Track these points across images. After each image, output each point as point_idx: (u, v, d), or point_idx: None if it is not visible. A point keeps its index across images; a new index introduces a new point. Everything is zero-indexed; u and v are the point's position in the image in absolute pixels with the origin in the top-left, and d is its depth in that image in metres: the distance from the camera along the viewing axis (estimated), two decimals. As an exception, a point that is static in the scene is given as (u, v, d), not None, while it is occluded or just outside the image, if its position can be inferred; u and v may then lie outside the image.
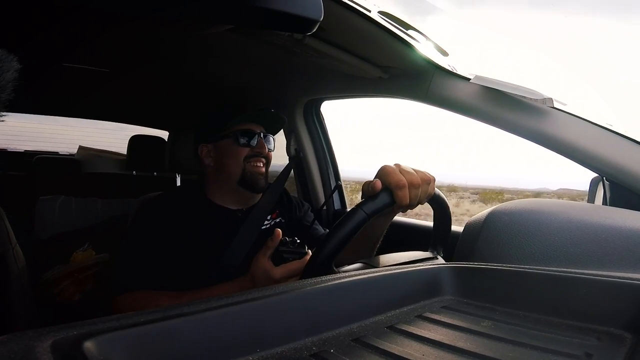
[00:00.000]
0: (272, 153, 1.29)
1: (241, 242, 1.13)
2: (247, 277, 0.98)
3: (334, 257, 0.73)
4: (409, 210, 0.86)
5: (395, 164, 0.80)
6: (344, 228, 0.73)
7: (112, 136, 3.45)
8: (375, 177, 0.79)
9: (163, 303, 0.97)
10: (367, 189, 0.78)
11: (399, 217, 1.68)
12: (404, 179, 0.76)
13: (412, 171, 0.79)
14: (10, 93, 0.39)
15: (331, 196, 1.94)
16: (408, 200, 0.77)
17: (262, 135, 1.24)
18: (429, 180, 0.81)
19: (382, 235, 0.97)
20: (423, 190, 0.80)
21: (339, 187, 1.96)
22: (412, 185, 0.77)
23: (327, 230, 1.03)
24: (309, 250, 0.98)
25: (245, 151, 1.20)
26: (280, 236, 0.97)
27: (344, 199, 1.99)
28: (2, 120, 0.41)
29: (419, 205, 0.84)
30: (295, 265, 0.95)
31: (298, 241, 0.99)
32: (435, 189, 0.86)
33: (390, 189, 0.76)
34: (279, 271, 0.94)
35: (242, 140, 1.21)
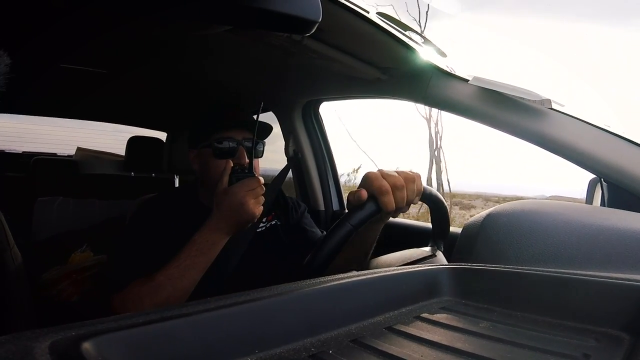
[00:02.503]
0: (261, 159, 1.23)
1: (236, 245, 1.12)
2: (213, 213, 1.03)
3: (323, 270, 0.72)
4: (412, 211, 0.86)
5: (378, 170, 0.79)
6: (331, 242, 0.73)
7: (111, 138, 3.45)
8: (359, 186, 0.78)
9: (157, 277, 0.99)
10: (353, 199, 0.77)
11: (398, 218, 1.67)
12: (386, 183, 0.75)
13: (395, 174, 0.78)
14: (2, 86, 0.40)
15: None
16: (394, 204, 0.76)
17: (244, 143, 1.16)
18: (412, 179, 0.79)
19: (374, 242, 0.97)
20: (410, 189, 0.78)
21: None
22: (395, 188, 0.76)
23: (325, 233, 1.03)
24: (260, 177, 1.06)
25: (224, 164, 1.12)
26: (232, 165, 1.07)
27: (343, 200, 1.99)
28: None
29: (412, 205, 0.83)
30: (247, 180, 1.02)
31: (247, 170, 1.08)
32: (427, 186, 0.85)
33: (374, 197, 0.75)
34: (234, 187, 1.02)
35: (220, 151, 1.15)
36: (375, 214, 0.76)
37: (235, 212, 1.00)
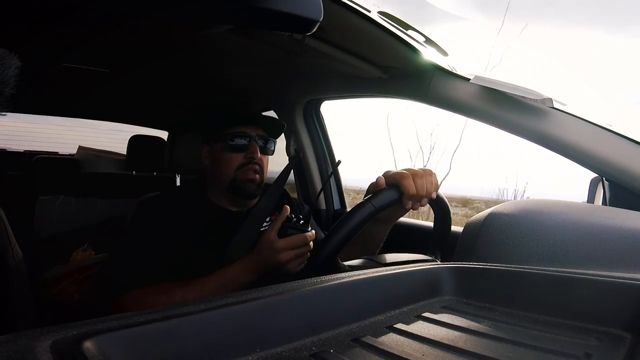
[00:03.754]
0: (270, 157, 1.25)
1: (240, 243, 1.13)
2: (253, 252, 1.00)
3: (339, 249, 0.73)
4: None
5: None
6: (352, 220, 0.74)
7: (113, 137, 3.45)
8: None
9: (175, 294, 0.97)
10: (373, 187, 0.83)
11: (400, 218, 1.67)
12: (406, 171, 0.82)
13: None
14: (12, 88, 0.40)
15: (331, 175, 1.93)
16: (414, 188, 0.80)
17: (256, 139, 1.19)
18: (430, 172, 0.85)
19: (384, 239, 0.98)
20: (427, 180, 0.83)
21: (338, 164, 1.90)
22: (415, 175, 0.81)
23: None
24: (313, 231, 1.00)
25: (238, 158, 1.17)
26: (288, 212, 1.00)
27: (344, 199, 1.99)
28: (4, 115, 0.42)
29: (429, 199, 0.85)
30: (297, 238, 0.97)
31: (302, 221, 1.02)
32: (439, 192, 0.87)
33: (396, 183, 0.79)
34: (281, 242, 0.96)
35: (234, 146, 1.17)
36: (397, 201, 0.80)
37: (273, 266, 0.97)
